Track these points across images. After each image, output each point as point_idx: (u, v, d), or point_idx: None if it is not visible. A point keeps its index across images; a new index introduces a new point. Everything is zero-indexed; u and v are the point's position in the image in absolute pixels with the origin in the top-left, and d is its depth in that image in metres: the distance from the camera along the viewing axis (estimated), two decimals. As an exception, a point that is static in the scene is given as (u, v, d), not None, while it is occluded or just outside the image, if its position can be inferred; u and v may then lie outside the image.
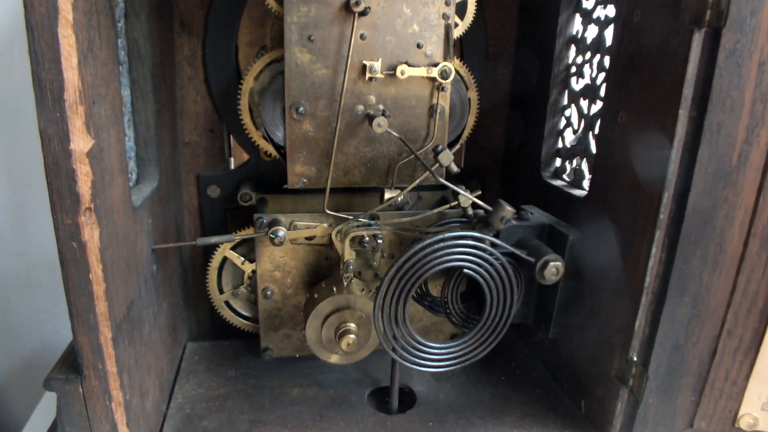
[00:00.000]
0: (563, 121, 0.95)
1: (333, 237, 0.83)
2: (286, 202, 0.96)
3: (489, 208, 0.76)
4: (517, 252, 0.76)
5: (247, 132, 0.91)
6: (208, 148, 1.01)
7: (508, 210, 0.74)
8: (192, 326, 1.05)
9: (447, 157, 0.79)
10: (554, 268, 0.76)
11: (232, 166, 1.03)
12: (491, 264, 0.75)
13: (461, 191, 0.77)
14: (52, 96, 0.54)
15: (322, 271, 0.91)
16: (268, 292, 0.90)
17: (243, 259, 0.93)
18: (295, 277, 0.90)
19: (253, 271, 0.92)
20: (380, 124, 0.79)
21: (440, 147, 0.81)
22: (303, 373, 0.93)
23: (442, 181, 0.78)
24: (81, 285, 0.58)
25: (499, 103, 1.08)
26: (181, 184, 1.00)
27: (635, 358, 0.74)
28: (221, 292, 0.95)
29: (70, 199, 0.56)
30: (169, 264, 0.90)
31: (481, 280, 0.75)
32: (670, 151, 0.65)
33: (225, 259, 0.94)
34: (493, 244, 0.74)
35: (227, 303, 0.96)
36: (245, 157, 1.01)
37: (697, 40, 0.62)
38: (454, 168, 0.82)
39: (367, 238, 0.81)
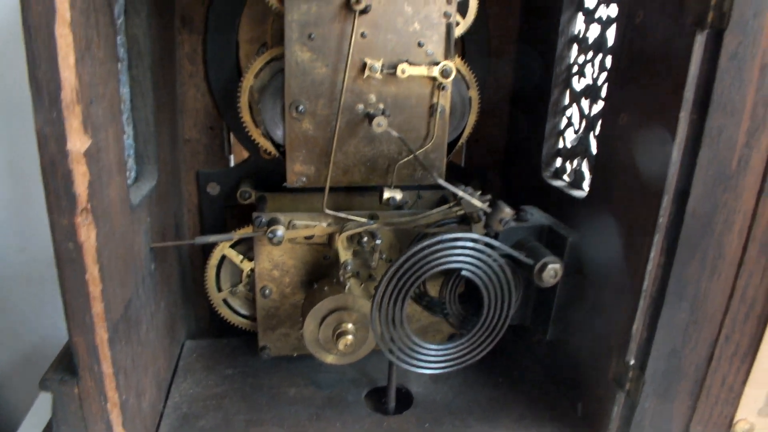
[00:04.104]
0: (564, 121, 0.95)
1: (335, 243, 0.83)
2: (285, 200, 0.96)
3: (488, 209, 0.75)
4: (515, 254, 0.76)
5: (246, 130, 0.90)
6: (207, 145, 1.00)
7: (507, 212, 0.73)
8: (190, 324, 1.05)
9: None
10: (552, 270, 0.75)
11: (232, 164, 1.03)
12: (489, 266, 0.74)
13: (460, 192, 0.77)
14: (49, 96, 0.53)
15: (320, 270, 0.91)
16: (267, 291, 0.90)
17: (242, 257, 0.93)
18: (293, 276, 0.90)
19: (252, 270, 0.92)
20: (380, 124, 0.79)
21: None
22: (300, 372, 0.93)
23: (442, 182, 0.78)
24: (77, 286, 0.58)
25: (500, 101, 1.08)
26: (181, 181, 1.00)
27: (632, 362, 0.74)
28: (220, 290, 0.95)
29: (66, 200, 0.55)
30: (167, 262, 0.90)
31: (479, 281, 0.75)
32: (670, 154, 0.65)
33: (224, 257, 0.94)
34: (491, 246, 0.74)
35: (225, 301, 0.96)
36: (245, 154, 1.01)
37: (699, 41, 0.61)
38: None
39: (366, 238, 0.81)
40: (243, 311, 0.98)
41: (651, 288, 0.71)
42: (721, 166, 0.63)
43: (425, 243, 0.71)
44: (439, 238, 0.72)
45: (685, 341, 0.71)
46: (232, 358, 0.96)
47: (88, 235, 0.58)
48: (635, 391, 0.74)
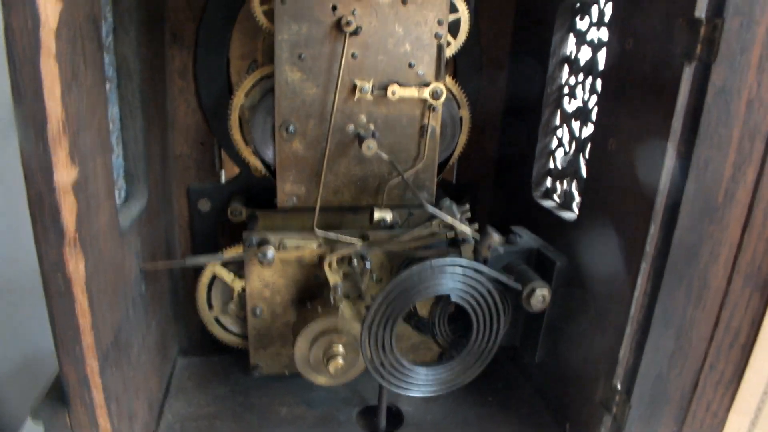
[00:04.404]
0: (555, 142, 0.95)
1: (324, 266, 0.83)
2: (276, 218, 0.96)
3: (476, 235, 0.75)
4: (504, 279, 0.76)
5: (237, 149, 0.90)
6: (198, 160, 1.00)
7: (495, 238, 0.74)
8: (183, 340, 1.05)
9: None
10: (541, 296, 0.76)
11: (223, 180, 1.03)
12: (478, 291, 0.75)
13: (449, 219, 0.77)
14: (35, 129, 0.53)
15: (311, 290, 0.91)
16: (258, 311, 0.90)
17: (233, 276, 0.93)
18: (284, 295, 0.90)
19: (243, 288, 0.92)
20: (370, 147, 0.79)
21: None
22: (292, 391, 0.93)
23: (431, 209, 0.78)
24: (66, 317, 0.58)
25: (492, 117, 1.08)
26: (172, 196, 1.00)
27: (619, 386, 0.75)
28: (211, 308, 0.95)
29: (54, 232, 0.55)
30: (158, 281, 0.90)
31: (468, 306, 0.75)
32: (657, 184, 0.65)
33: (215, 275, 0.94)
34: (479, 271, 0.74)
35: (217, 319, 0.96)
36: (237, 170, 1.01)
37: (687, 73, 0.62)
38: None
39: (355, 261, 0.81)
40: (234, 329, 0.98)
41: (638, 315, 0.71)
42: (708, 199, 0.63)
43: (413, 269, 0.71)
44: (427, 264, 0.72)
45: (670, 367, 0.71)
46: (224, 376, 0.97)
47: (76, 266, 0.57)
48: (621, 415, 0.75)
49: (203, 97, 0.96)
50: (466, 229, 0.75)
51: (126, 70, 0.79)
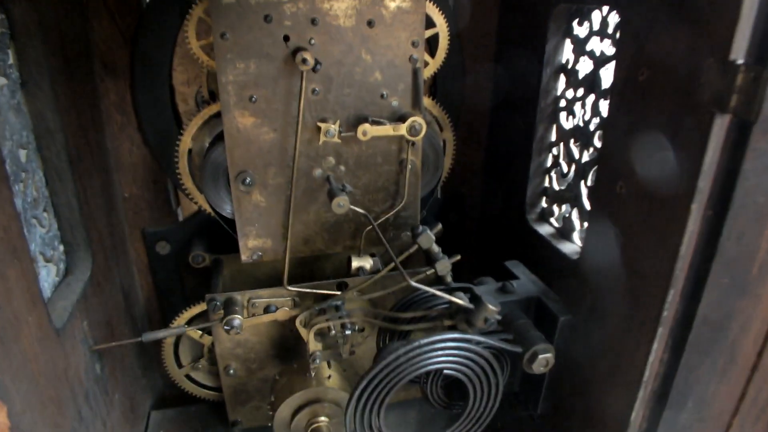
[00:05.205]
0: (550, 159, 0.84)
1: (297, 326, 0.73)
2: (245, 264, 0.86)
3: (470, 306, 0.66)
4: (502, 346, 0.67)
5: (191, 197, 0.79)
6: (151, 201, 0.89)
7: (492, 309, 0.64)
8: (156, 390, 0.97)
9: (427, 240, 0.69)
10: (544, 360, 0.68)
11: (181, 217, 0.92)
12: (473, 360, 0.66)
13: (438, 293, 0.67)
14: None
15: (288, 343, 0.82)
16: (231, 371, 0.81)
17: (201, 332, 0.84)
18: (259, 352, 0.82)
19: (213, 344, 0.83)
20: (341, 205, 0.68)
21: (420, 228, 0.70)
22: (277, 446, 0.86)
23: (414, 285, 0.67)
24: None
25: (478, 126, 0.96)
26: (126, 243, 0.89)
27: (632, 450, 0.68)
28: (180, 366, 0.87)
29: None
30: (120, 347, 0.81)
31: (463, 377, 0.67)
32: (678, 247, 0.56)
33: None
34: (476, 342, 0.65)
35: (188, 376, 0.88)
36: (195, 206, 0.90)
37: (719, 125, 0.51)
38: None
39: (333, 332, 0.72)
40: (209, 383, 0.90)
41: (653, 382, 0.63)
42: (740, 272, 0.54)
43: (400, 351, 0.63)
44: (419, 342, 0.63)
45: (690, 439, 0.64)
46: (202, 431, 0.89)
47: (-5, 419, 0.48)
48: (634, 478, 0.69)
49: (148, 132, 0.83)
50: (457, 301, 0.66)
51: (45, 129, 0.67)
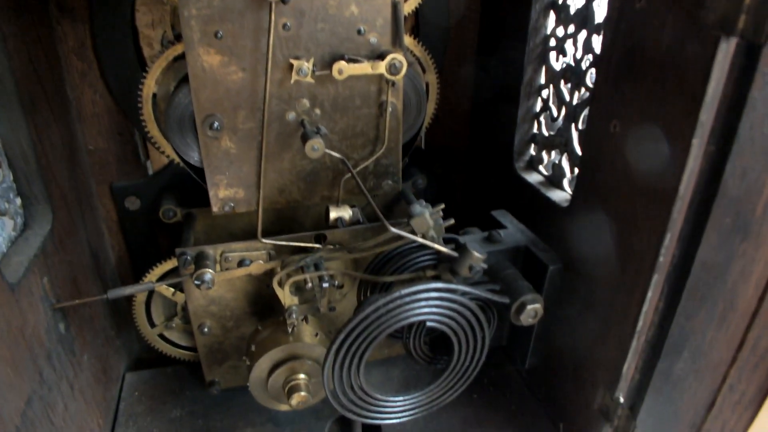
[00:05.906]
0: (540, 104, 0.80)
1: (273, 285, 0.69)
2: (218, 216, 0.81)
3: (455, 255, 0.62)
4: (489, 296, 0.64)
5: (157, 145, 0.74)
6: (118, 153, 0.84)
7: (477, 257, 0.61)
8: (132, 352, 0.93)
9: (422, 224, 0.63)
10: (532, 310, 0.64)
11: (151, 171, 0.87)
12: (458, 312, 0.63)
13: (420, 239, 0.63)
14: None
15: (264, 299, 0.78)
16: (205, 329, 0.78)
17: (173, 290, 0.80)
18: (234, 309, 0.78)
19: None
20: (315, 148, 0.63)
21: (417, 209, 0.64)
22: (256, 406, 0.83)
23: (395, 231, 0.62)
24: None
25: (464, 71, 0.91)
26: (93, 198, 0.84)
27: (622, 400, 0.65)
28: (153, 325, 0.83)
29: None
30: (86, 306, 0.77)
31: (447, 330, 0.64)
32: (677, 187, 0.52)
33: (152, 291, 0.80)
34: (461, 292, 0.62)
35: (162, 336, 0.84)
36: (165, 159, 0.85)
37: (724, 51, 0.46)
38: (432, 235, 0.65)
39: (310, 284, 0.68)
40: (183, 343, 0.86)
41: (647, 332, 0.60)
42: (742, 213, 0.51)
43: (380, 302, 0.59)
44: (400, 293, 0.59)
45: (683, 390, 0.62)
46: (179, 393, 0.86)
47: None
48: (624, 428, 0.66)
49: (111, 79, 0.78)
50: (441, 248, 0.62)
51: (-8, 73, 0.61)
